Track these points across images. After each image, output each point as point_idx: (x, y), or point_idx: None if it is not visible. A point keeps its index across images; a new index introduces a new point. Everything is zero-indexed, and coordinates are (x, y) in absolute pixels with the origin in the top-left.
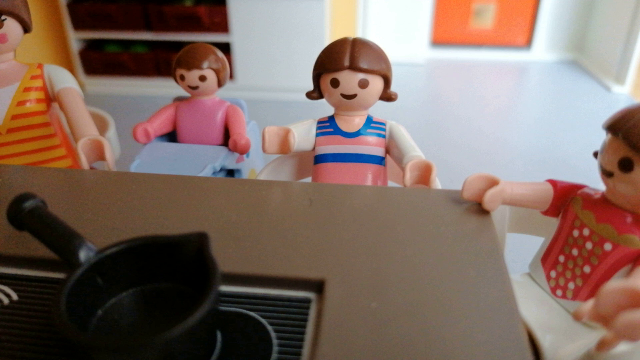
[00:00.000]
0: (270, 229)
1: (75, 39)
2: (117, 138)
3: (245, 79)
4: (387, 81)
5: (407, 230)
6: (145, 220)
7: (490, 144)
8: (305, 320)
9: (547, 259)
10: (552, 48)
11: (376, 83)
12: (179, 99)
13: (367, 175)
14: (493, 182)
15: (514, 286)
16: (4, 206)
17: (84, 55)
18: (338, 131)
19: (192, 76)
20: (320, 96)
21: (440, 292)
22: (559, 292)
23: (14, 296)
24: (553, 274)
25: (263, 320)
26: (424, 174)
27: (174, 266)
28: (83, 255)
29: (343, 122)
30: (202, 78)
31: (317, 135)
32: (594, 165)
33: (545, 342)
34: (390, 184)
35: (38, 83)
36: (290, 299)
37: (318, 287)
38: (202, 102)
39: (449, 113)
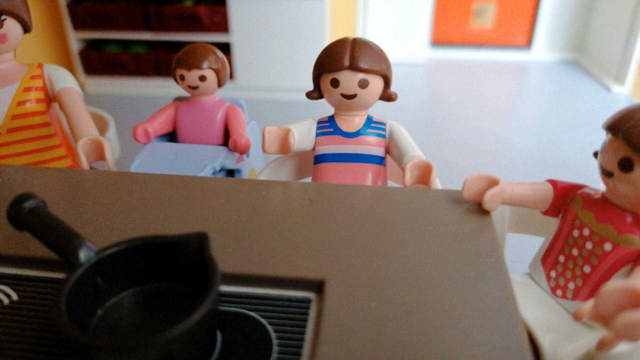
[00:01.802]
0: (270, 229)
1: (75, 39)
2: (117, 138)
3: (245, 79)
4: (387, 81)
5: (407, 230)
6: (145, 220)
7: (490, 144)
8: (305, 320)
9: (547, 259)
10: (552, 48)
11: (376, 83)
12: (179, 99)
13: (367, 175)
14: (493, 182)
15: (514, 286)
16: (4, 206)
17: (84, 55)
18: (338, 131)
19: (192, 76)
20: (320, 96)
21: (440, 292)
22: (559, 292)
23: (14, 296)
24: (553, 274)
25: (263, 320)
26: (424, 174)
27: (174, 266)
28: (83, 255)
29: (343, 122)
30: (202, 78)
31: (317, 135)
32: (594, 165)
33: (545, 342)
34: (390, 184)
35: (38, 83)
36: (290, 299)
37: (318, 287)
38: (202, 102)
39: (449, 113)
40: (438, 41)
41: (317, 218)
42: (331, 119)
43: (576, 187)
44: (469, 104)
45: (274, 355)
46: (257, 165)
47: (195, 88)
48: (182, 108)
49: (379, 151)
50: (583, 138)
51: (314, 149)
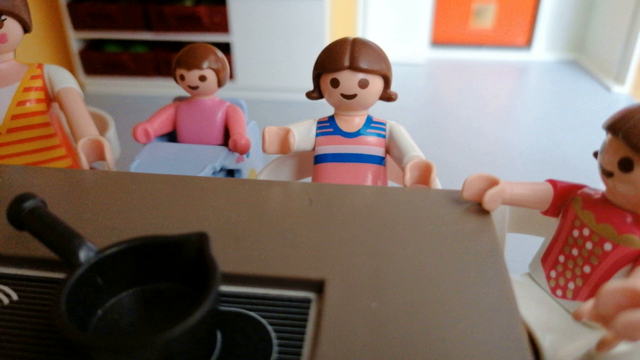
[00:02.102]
0: (270, 229)
1: (75, 39)
2: (117, 138)
3: (245, 79)
4: (387, 81)
5: (407, 230)
6: (145, 220)
7: (490, 144)
8: (305, 320)
9: (547, 259)
10: (552, 48)
11: (376, 83)
12: (179, 99)
13: (367, 175)
14: (493, 182)
15: (514, 286)
16: (4, 206)
17: (84, 55)
18: (338, 131)
19: (192, 76)
20: (320, 96)
21: (440, 292)
22: (559, 292)
23: (14, 296)
24: (553, 274)
25: (263, 320)
26: (424, 174)
27: (174, 266)
28: (83, 255)
29: (343, 122)
30: (202, 78)
31: (317, 135)
32: (594, 165)
33: (545, 342)
34: (390, 184)
35: (38, 83)
36: (290, 299)
37: (318, 287)
38: (202, 102)
39: (449, 113)
40: (438, 41)
41: (317, 218)
42: (331, 119)
43: (576, 187)
44: (469, 104)
45: (274, 355)
46: (257, 165)
47: (195, 88)
48: (182, 108)
49: (379, 151)
50: (583, 138)
51: (314, 149)
